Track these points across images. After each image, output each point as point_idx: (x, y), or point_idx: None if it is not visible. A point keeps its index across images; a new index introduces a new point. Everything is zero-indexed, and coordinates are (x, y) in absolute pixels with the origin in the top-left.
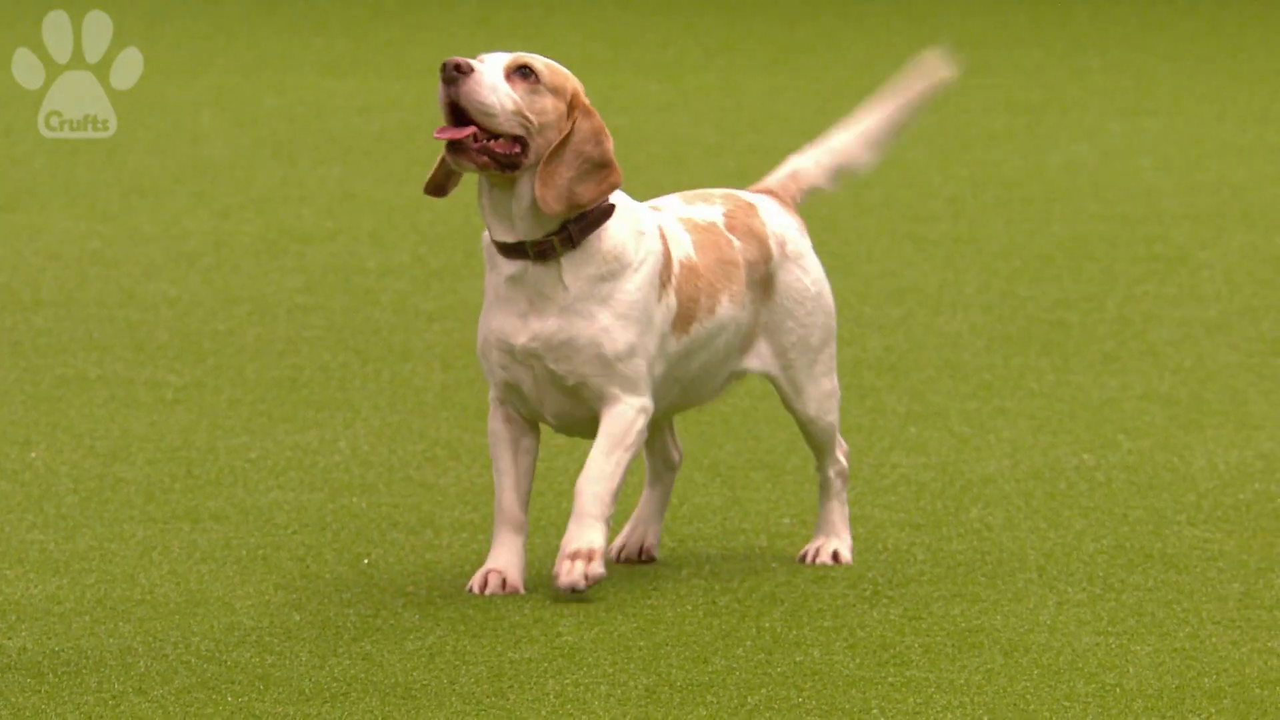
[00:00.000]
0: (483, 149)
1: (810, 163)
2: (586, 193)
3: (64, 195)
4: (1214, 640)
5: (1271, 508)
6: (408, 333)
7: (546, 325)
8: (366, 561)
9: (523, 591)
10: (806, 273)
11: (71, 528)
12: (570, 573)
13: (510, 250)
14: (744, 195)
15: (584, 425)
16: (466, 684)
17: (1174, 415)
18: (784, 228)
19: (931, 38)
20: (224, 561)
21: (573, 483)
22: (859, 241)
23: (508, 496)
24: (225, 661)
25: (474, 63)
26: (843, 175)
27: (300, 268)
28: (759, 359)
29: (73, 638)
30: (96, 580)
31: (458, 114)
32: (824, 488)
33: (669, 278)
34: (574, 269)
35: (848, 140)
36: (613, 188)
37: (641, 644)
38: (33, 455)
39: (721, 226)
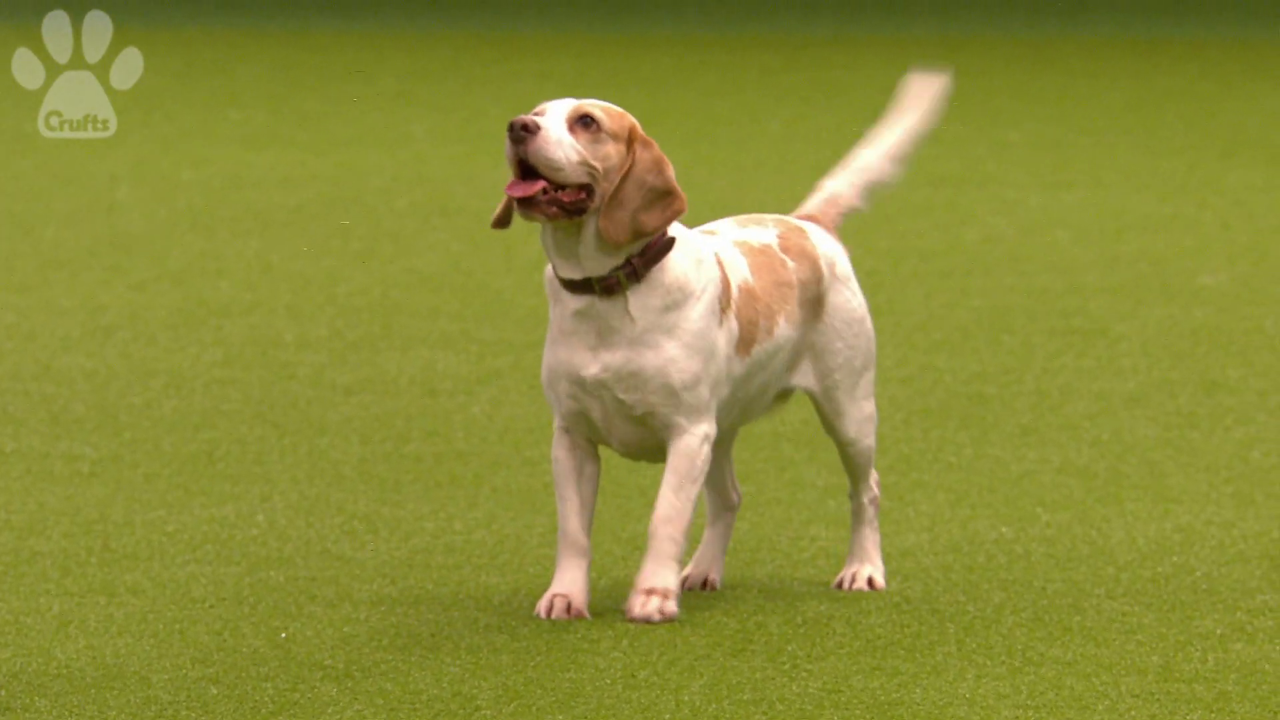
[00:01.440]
0: (551, 200)
1: (844, 185)
2: (651, 221)
3: None
4: (1133, 714)
5: (1190, 581)
6: (325, 406)
7: (615, 357)
8: (284, 635)
9: (588, 616)
10: (855, 295)
11: None
12: (644, 606)
13: (576, 286)
14: (793, 220)
15: (649, 452)
16: None
17: (1092, 488)
18: (833, 251)
19: (850, 113)
20: (141, 635)
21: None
22: None
23: (572, 523)
24: None
25: (540, 120)
26: (873, 192)
27: (217, 341)
28: (803, 376)
29: None
30: (12, 654)
31: (526, 169)
32: (856, 514)
33: (728, 303)
34: (639, 301)
35: (872, 157)
36: (677, 214)
37: (560, 718)
38: None
39: (776, 248)
